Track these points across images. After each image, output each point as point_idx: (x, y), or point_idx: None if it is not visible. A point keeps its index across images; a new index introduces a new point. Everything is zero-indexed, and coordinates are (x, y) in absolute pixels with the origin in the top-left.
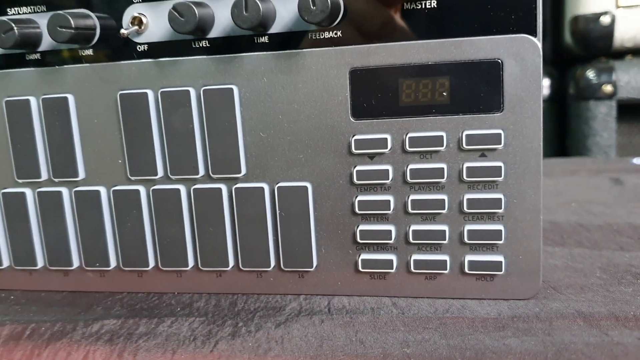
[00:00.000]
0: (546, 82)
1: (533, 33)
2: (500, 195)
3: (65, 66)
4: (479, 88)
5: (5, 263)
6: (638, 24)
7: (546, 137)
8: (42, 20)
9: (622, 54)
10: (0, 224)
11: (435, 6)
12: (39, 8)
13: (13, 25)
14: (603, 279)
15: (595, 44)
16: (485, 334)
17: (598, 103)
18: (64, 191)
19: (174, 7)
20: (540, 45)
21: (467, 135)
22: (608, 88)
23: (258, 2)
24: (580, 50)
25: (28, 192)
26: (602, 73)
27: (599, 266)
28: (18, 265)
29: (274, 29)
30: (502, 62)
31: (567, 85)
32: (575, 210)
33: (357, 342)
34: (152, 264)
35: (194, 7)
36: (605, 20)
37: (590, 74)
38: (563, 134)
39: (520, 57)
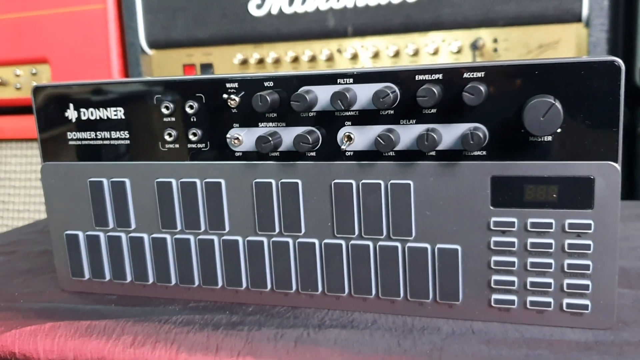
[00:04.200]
0: None
1: (615, 160)
2: (589, 262)
3: (297, 162)
4: (578, 193)
5: (244, 285)
6: None
7: None
8: (281, 130)
9: None
10: (242, 260)
11: (551, 140)
12: (280, 124)
13: (270, 138)
14: None
15: None
16: (578, 352)
17: None
18: (290, 241)
19: (379, 136)
20: (619, 168)
21: (569, 223)
22: None
23: (435, 136)
24: None
25: (265, 240)
26: None
27: None
28: (254, 287)
29: (439, 147)
30: (594, 178)
31: (636, 124)
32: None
33: (496, 355)
34: (346, 291)
35: (391, 136)
36: None
37: None
38: (632, 165)
39: (606, 176)
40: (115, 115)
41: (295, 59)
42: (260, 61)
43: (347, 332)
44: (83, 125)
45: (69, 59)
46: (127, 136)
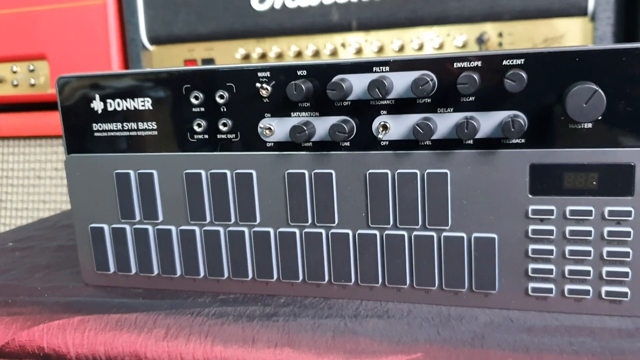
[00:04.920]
0: None
1: None
2: (629, 249)
3: (331, 152)
4: (618, 180)
5: (275, 276)
6: None
7: None
8: (314, 120)
9: None
10: (273, 252)
11: (591, 127)
12: (314, 114)
13: (304, 128)
14: None
15: None
16: (621, 339)
17: None
18: (323, 231)
19: (417, 124)
20: None
21: (608, 210)
22: None
23: (475, 124)
24: None
25: (297, 231)
26: None
27: None
28: (285, 279)
29: (478, 136)
30: (634, 165)
31: None
32: None
33: (539, 343)
34: (380, 281)
35: (430, 124)
36: None
37: None
38: None
39: None
40: (142, 105)
41: (299, 54)
42: (263, 56)
43: (385, 322)
44: (109, 116)
45: (67, 56)
46: (155, 127)
